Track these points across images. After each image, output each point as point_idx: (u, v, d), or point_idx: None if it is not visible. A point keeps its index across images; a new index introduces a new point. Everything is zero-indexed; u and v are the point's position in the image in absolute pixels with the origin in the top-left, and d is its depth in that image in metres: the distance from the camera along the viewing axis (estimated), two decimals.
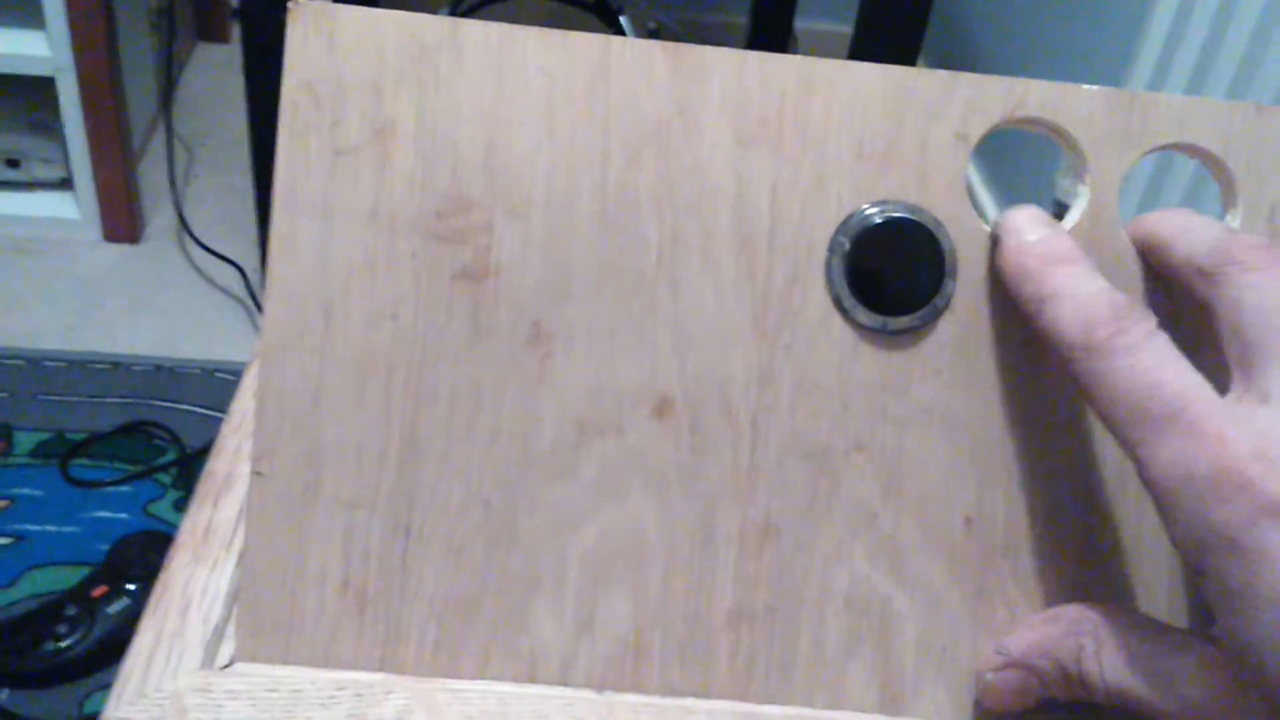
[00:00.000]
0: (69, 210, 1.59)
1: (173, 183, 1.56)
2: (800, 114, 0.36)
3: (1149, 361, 0.30)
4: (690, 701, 0.35)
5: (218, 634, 0.35)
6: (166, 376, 1.36)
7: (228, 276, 1.54)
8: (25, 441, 1.25)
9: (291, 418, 0.35)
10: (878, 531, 0.36)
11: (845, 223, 0.36)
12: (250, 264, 1.53)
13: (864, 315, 0.36)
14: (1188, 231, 0.34)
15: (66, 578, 1.11)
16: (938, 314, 0.36)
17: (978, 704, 0.36)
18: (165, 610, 0.35)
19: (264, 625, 0.35)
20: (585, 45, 0.36)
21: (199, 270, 1.56)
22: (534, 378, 0.36)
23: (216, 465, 0.40)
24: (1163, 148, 0.36)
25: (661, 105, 0.36)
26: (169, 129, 1.55)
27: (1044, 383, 0.36)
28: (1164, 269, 0.35)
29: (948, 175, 0.36)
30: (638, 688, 0.35)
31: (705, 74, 0.36)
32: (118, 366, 1.37)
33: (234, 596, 0.36)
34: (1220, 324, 0.32)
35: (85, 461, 1.24)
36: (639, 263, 0.36)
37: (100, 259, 1.57)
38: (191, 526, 0.38)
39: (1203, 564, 0.29)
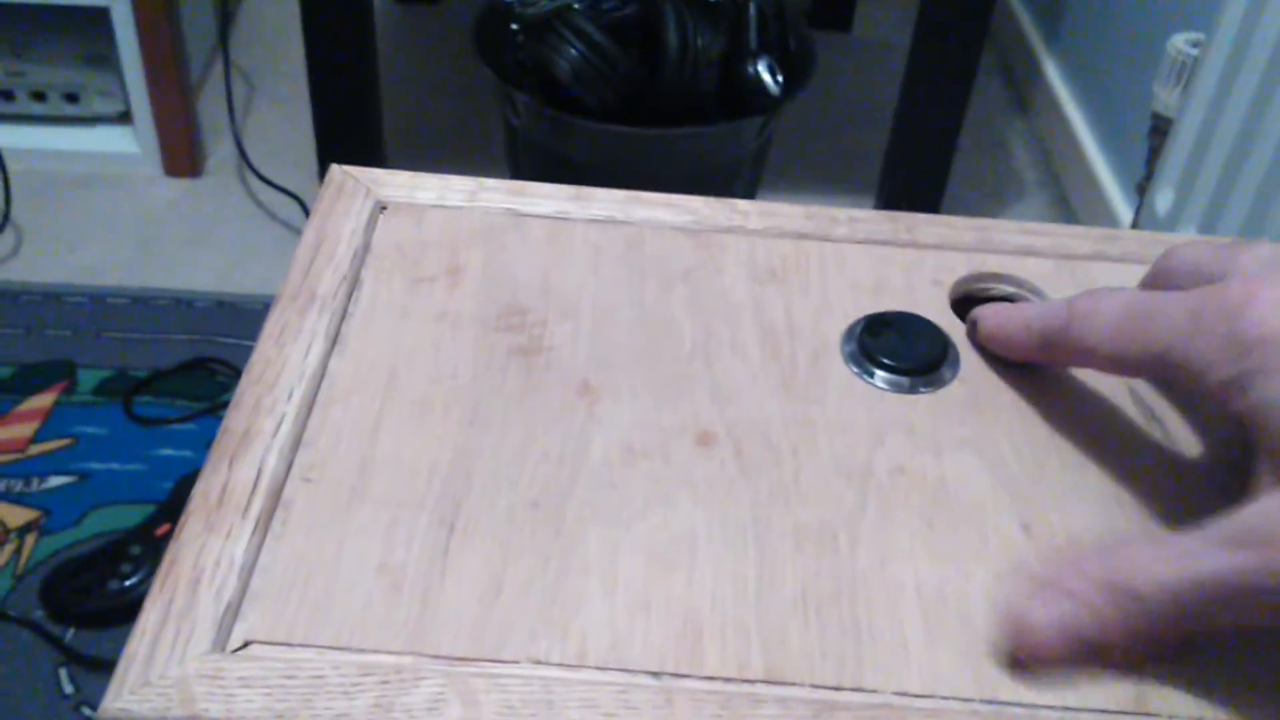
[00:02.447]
0: (128, 144, 1.57)
1: (232, 115, 1.53)
2: (801, 269, 0.44)
3: (1123, 295, 0.37)
4: (760, 688, 0.31)
5: (231, 611, 0.31)
6: (228, 312, 1.34)
7: (288, 209, 1.51)
8: (88, 379, 1.24)
9: (348, 439, 0.37)
10: (935, 536, 0.35)
11: (852, 325, 0.42)
12: (311, 197, 1.50)
13: (884, 380, 0.40)
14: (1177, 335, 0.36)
15: (130, 516, 1.10)
16: (949, 380, 0.40)
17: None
18: (174, 585, 0.32)
19: (286, 601, 0.32)
20: (623, 228, 0.45)
21: (259, 204, 1.53)
22: (583, 416, 0.38)
23: (234, 421, 0.36)
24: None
25: (686, 261, 0.44)
26: (227, 60, 1.52)
27: (1070, 417, 0.39)
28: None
29: (934, 306, 0.43)
30: (698, 670, 0.31)
31: (721, 248, 0.45)
32: (179, 302, 1.35)
33: (250, 569, 0.33)
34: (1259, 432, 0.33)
35: (148, 399, 1.23)
36: (675, 349, 0.41)
37: (160, 193, 1.55)
38: (204, 490, 0.34)
39: (1246, 381, 0.32)
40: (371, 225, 0.44)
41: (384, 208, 0.45)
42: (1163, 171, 1.15)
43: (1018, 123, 1.77)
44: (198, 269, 1.43)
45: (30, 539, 1.08)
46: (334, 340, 0.40)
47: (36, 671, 0.98)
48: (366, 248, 0.43)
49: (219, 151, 1.61)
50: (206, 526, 0.33)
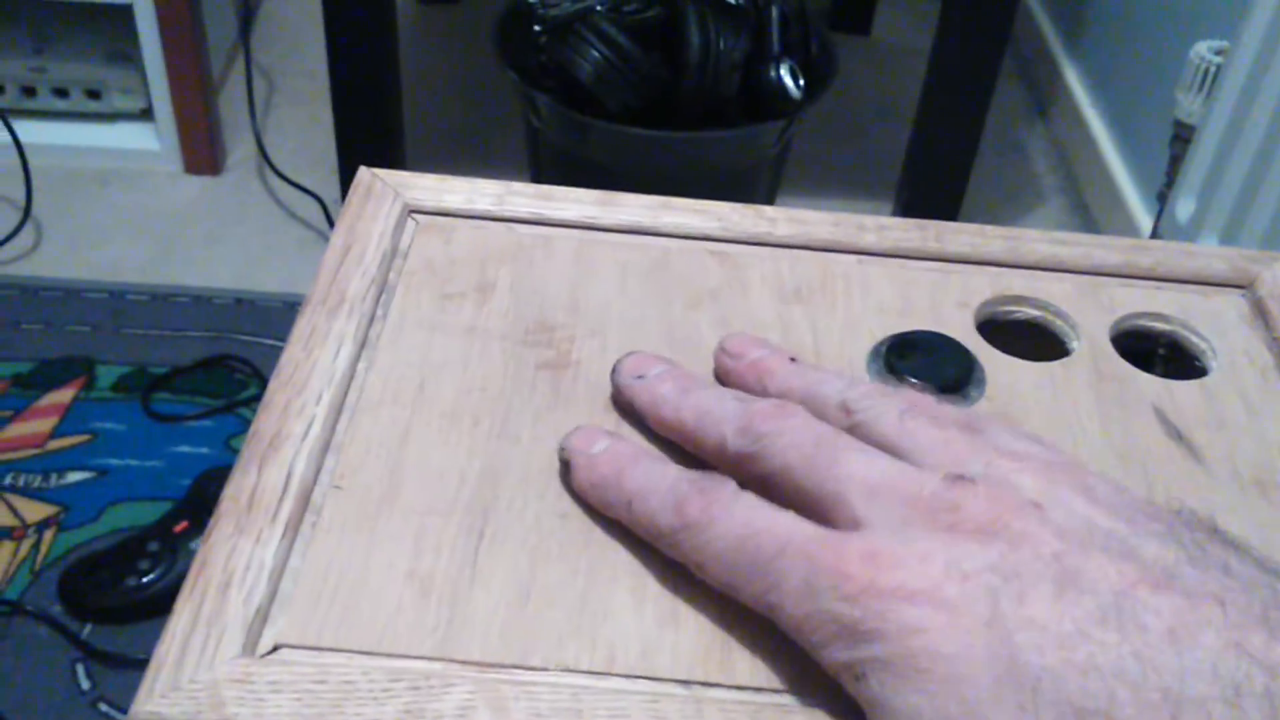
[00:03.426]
0: (149, 141, 1.58)
1: (253, 113, 1.53)
2: (827, 289, 0.44)
3: (743, 514, 0.31)
4: (788, 698, 0.31)
5: (260, 616, 0.31)
6: (247, 309, 1.35)
7: (308, 208, 1.51)
8: (107, 376, 1.25)
9: (378, 448, 0.37)
10: None
11: (878, 345, 0.42)
12: (331, 195, 1.50)
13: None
14: (705, 418, 0.35)
15: (149, 513, 1.10)
16: (975, 399, 0.40)
17: None
18: (204, 589, 0.32)
19: (316, 605, 0.32)
20: (648, 246, 0.45)
21: (279, 202, 1.54)
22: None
23: (263, 424, 0.36)
24: (1134, 314, 0.44)
25: (713, 281, 0.44)
26: (248, 58, 1.53)
27: (1092, 440, 0.39)
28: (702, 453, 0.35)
29: (960, 328, 0.43)
30: (728, 680, 0.31)
31: (746, 266, 0.44)
32: (199, 300, 1.36)
33: (279, 574, 0.33)
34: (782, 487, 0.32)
35: (167, 396, 1.23)
36: (703, 367, 0.40)
37: (181, 191, 1.55)
38: (234, 493, 0.34)
39: (860, 670, 0.29)
40: (400, 228, 0.44)
41: (414, 214, 0.45)
42: (1184, 179, 1.14)
43: (1038, 127, 1.76)
44: (217, 266, 1.43)
45: (49, 534, 1.09)
46: (362, 344, 0.40)
47: (53, 667, 0.98)
48: (394, 251, 0.43)
49: (239, 149, 1.62)
50: (236, 529, 0.33)
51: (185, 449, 1.18)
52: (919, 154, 1.41)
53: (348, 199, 0.45)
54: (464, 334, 0.41)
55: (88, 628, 1.01)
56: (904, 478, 0.30)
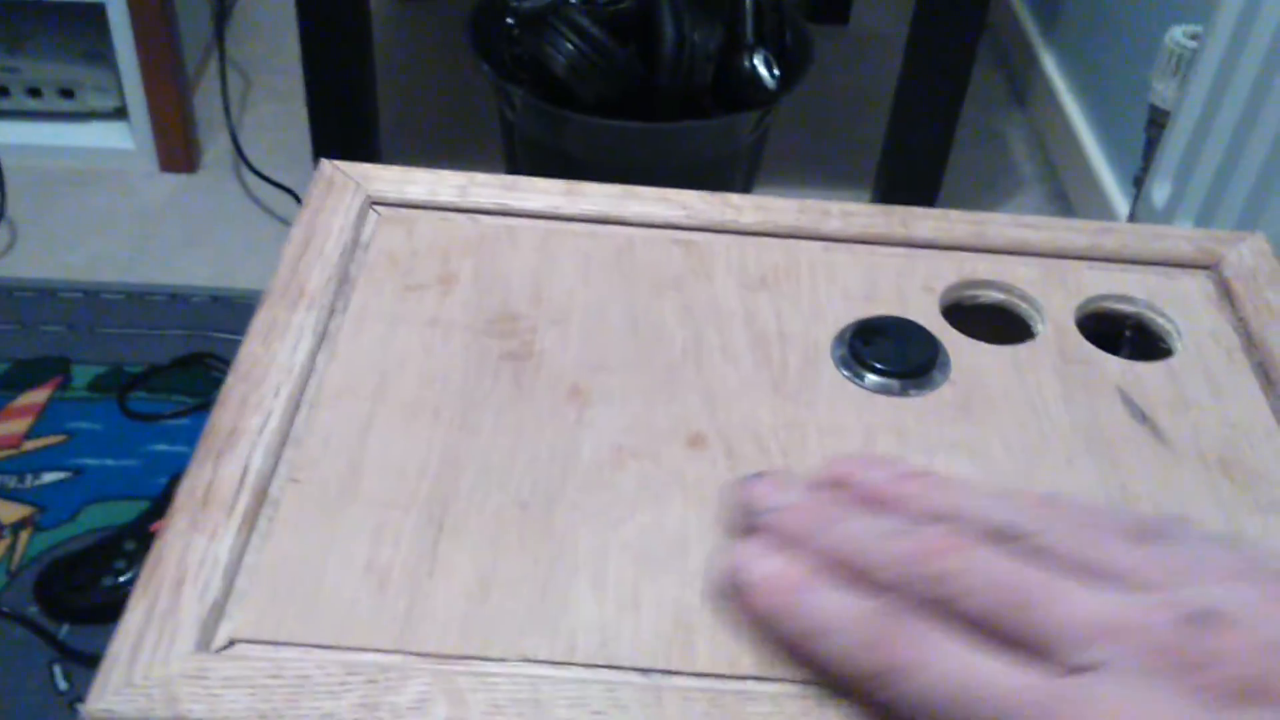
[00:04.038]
0: (124, 140, 1.57)
1: (227, 111, 1.52)
2: (791, 276, 0.44)
3: (955, 663, 0.26)
4: (750, 685, 0.31)
5: (216, 611, 0.31)
6: (224, 308, 1.34)
7: (285, 205, 1.51)
8: (83, 375, 1.24)
9: (337, 441, 0.36)
10: None
11: (843, 330, 0.42)
12: (306, 192, 1.50)
13: (874, 381, 0.40)
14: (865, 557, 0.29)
15: (125, 512, 1.09)
16: (939, 383, 0.40)
17: None
18: (158, 585, 0.32)
19: (273, 600, 0.32)
20: (613, 234, 0.45)
21: (256, 200, 1.53)
22: (573, 419, 0.38)
23: (219, 419, 0.36)
24: (1100, 296, 0.44)
25: (677, 269, 0.44)
26: (222, 56, 1.51)
27: (1056, 422, 0.39)
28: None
29: (925, 312, 0.43)
30: (688, 668, 0.31)
31: (711, 254, 0.44)
32: (175, 298, 1.35)
33: (235, 569, 0.32)
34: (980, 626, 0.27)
35: (143, 394, 1.23)
36: (666, 355, 0.40)
37: (156, 189, 1.54)
38: (189, 489, 0.34)
39: None
40: (361, 221, 0.44)
41: (375, 206, 0.45)
42: (1160, 164, 1.14)
43: (1015, 115, 1.76)
44: (193, 265, 1.42)
45: (24, 535, 1.08)
46: (322, 337, 0.39)
47: (30, 668, 0.98)
48: (356, 243, 0.43)
49: (215, 147, 1.60)
50: (191, 525, 0.33)
51: (162, 447, 1.17)
52: (896, 143, 1.41)
53: (308, 191, 0.45)
54: (426, 326, 0.40)
55: (65, 628, 1.01)
56: (1136, 615, 0.26)
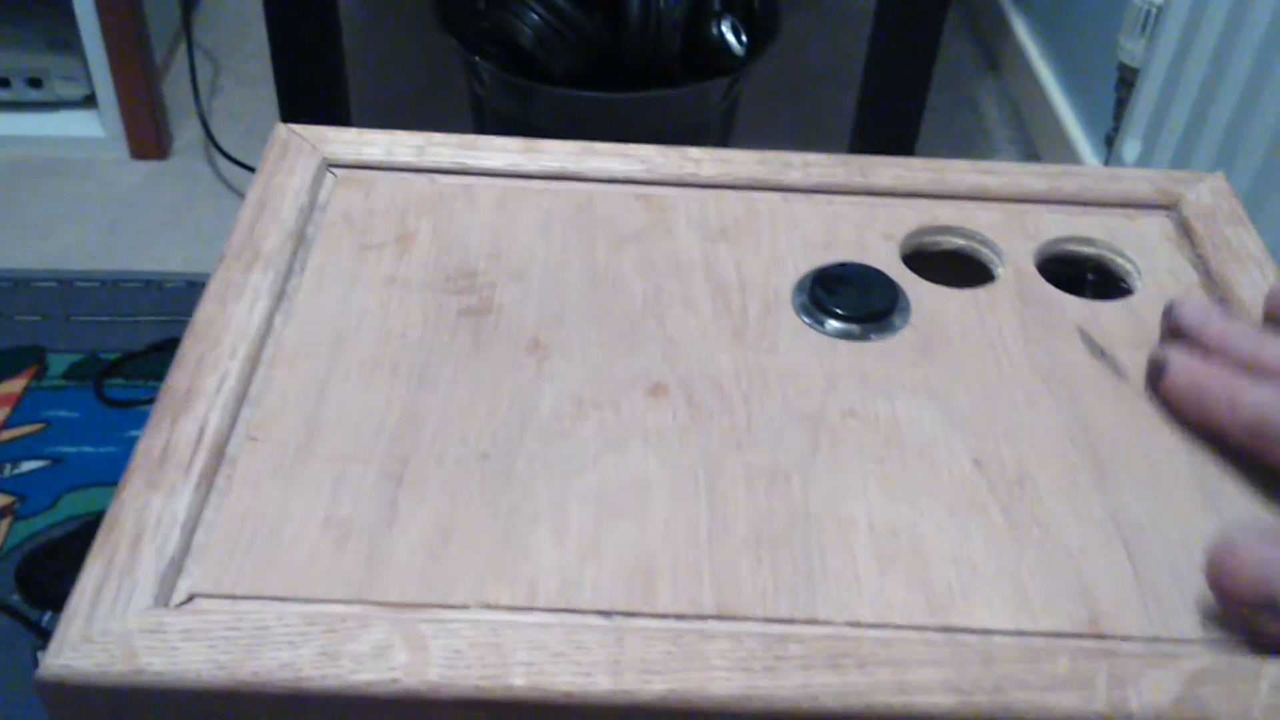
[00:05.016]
0: (94, 129, 1.56)
1: (197, 96, 1.51)
2: (751, 226, 0.44)
3: None
4: (711, 624, 0.31)
5: (174, 567, 0.31)
6: (199, 293, 1.33)
7: None
8: (59, 363, 1.23)
9: (294, 399, 0.36)
10: (888, 473, 0.35)
11: (802, 279, 0.42)
12: None
13: (835, 327, 0.40)
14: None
15: (104, 499, 1.09)
16: (899, 327, 0.40)
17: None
18: (115, 543, 0.31)
19: (232, 555, 0.32)
20: (573, 190, 0.45)
21: (228, 184, 1.52)
22: (532, 372, 0.38)
23: (176, 380, 0.36)
24: (1060, 239, 0.44)
25: (637, 223, 0.43)
26: (190, 41, 1.51)
27: (1016, 362, 0.39)
28: None
29: (886, 259, 0.43)
30: (651, 610, 0.31)
31: (671, 208, 0.44)
32: (149, 284, 1.34)
33: (193, 525, 0.32)
34: None
35: (120, 381, 1.22)
36: (626, 308, 0.40)
37: (128, 177, 1.53)
38: (146, 449, 0.34)
39: None
40: (318, 182, 0.44)
41: (332, 168, 0.45)
42: (1130, 122, 1.15)
43: (989, 82, 1.76)
44: (167, 251, 1.42)
45: (4, 524, 1.07)
46: (279, 298, 0.39)
47: (14, 655, 0.97)
48: (313, 205, 0.43)
49: (186, 133, 1.59)
50: (148, 484, 0.33)
51: (139, 434, 1.16)
52: (868, 111, 1.41)
53: (264, 155, 0.45)
54: (383, 284, 0.40)
55: (47, 615, 1.01)
56: None
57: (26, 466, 1.13)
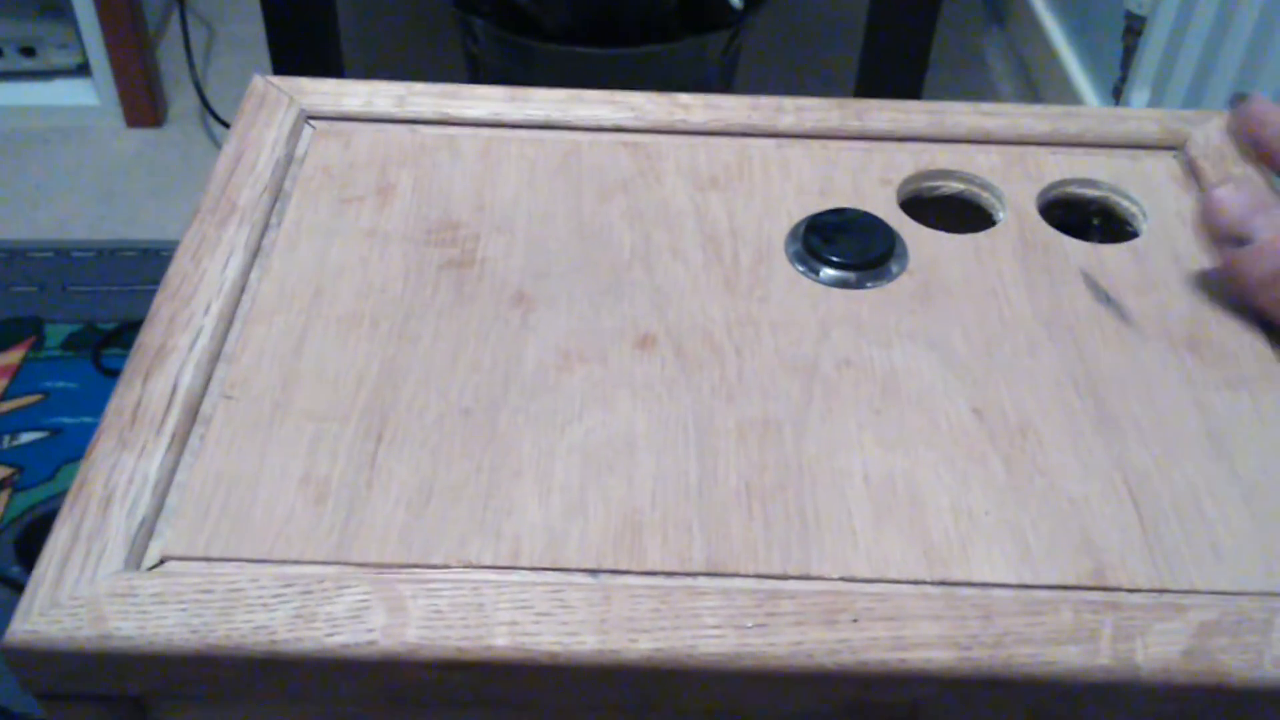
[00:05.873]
0: (88, 97, 1.54)
1: (191, 63, 1.50)
2: (743, 174, 0.42)
3: None
4: (701, 581, 0.30)
5: (145, 530, 0.30)
6: None
7: None
8: (56, 334, 1.23)
9: (270, 355, 0.35)
10: (884, 424, 0.34)
11: (796, 226, 0.40)
12: None
13: (830, 274, 0.39)
14: None
15: None
16: (896, 274, 0.39)
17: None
18: (84, 505, 0.30)
19: (205, 516, 0.31)
20: (559, 140, 0.43)
21: None
22: (517, 325, 0.36)
23: (148, 337, 0.35)
24: (1063, 181, 0.43)
25: (625, 172, 0.42)
26: (183, 7, 1.49)
27: (1018, 307, 0.38)
28: None
29: (882, 205, 0.41)
30: (638, 567, 0.30)
31: (660, 156, 0.43)
32: (146, 253, 1.33)
33: (165, 486, 0.31)
34: None
35: (118, 351, 1.21)
36: (614, 258, 0.39)
37: (123, 145, 1.52)
38: (117, 408, 0.33)
39: None
40: (295, 135, 0.42)
41: (310, 120, 0.43)
42: (1137, 71, 1.13)
43: (996, 35, 1.74)
44: (163, 219, 1.40)
45: (4, 495, 1.07)
46: (255, 252, 0.38)
47: None
48: (290, 158, 0.42)
49: (181, 100, 1.58)
50: (119, 444, 0.32)
51: None
52: (871, 66, 1.39)
53: (241, 108, 0.43)
54: (363, 237, 0.39)
55: None
56: None
57: (25, 438, 1.12)
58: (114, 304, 1.27)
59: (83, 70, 1.53)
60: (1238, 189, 0.37)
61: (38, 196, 1.43)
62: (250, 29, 1.68)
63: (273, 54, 1.35)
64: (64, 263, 1.31)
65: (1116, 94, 1.24)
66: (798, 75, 1.58)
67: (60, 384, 1.17)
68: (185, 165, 1.48)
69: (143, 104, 1.53)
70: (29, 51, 1.52)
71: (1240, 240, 0.36)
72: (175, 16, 1.67)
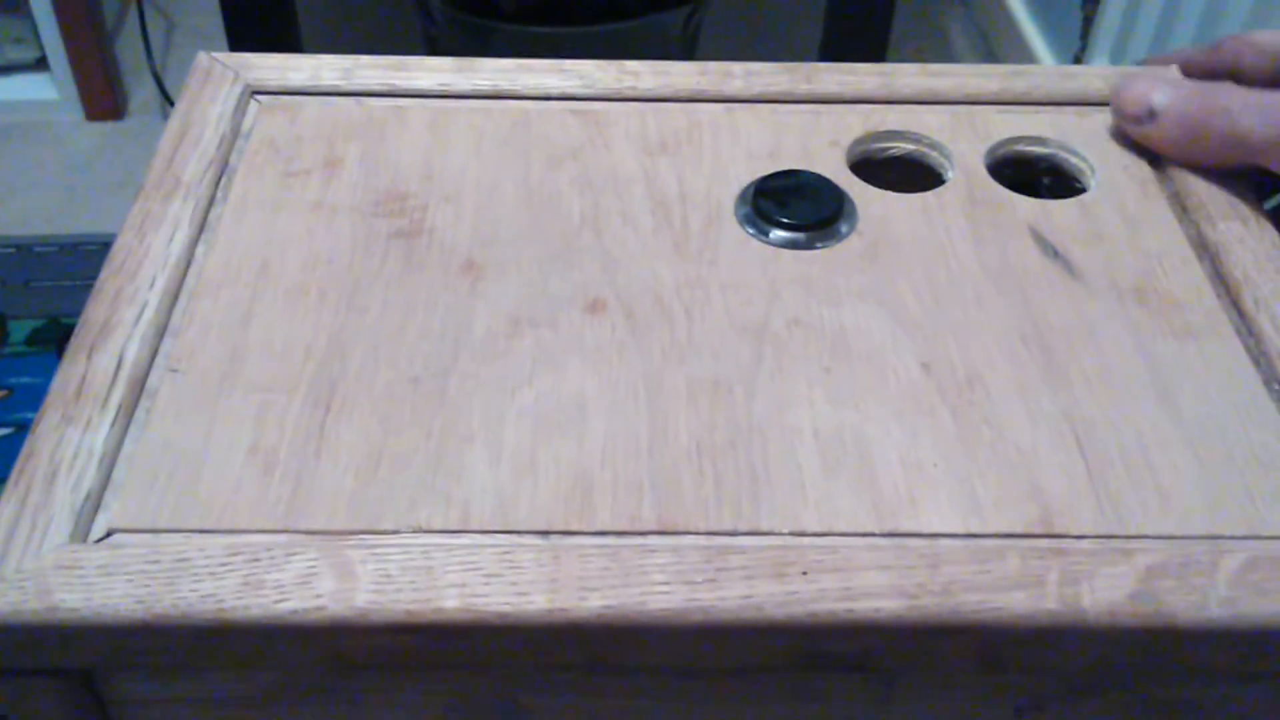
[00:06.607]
0: (47, 91, 1.53)
1: (149, 54, 1.49)
2: (693, 139, 0.42)
3: None
4: (653, 539, 0.30)
5: (91, 502, 0.30)
6: None
7: None
8: (20, 330, 1.22)
9: (217, 329, 0.35)
10: (834, 381, 0.34)
11: (745, 189, 0.40)
12: None
13: (779, 235, 0.39)
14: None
15: None
16: (846, 234, 0.39)
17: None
18: (29, 479, 0.30)
19: (152, 488, 0.30)
20: (507, 109, 0.43)
21: None
22: (465, 293, 0.36)
23: (92, 313, 0.35)
24: (1011, 139, 0.43)
25: (574, 139, 0.42)
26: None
27: (966, 263, 0.38)
28: None
29: (832, 167, 0.41)
30: (588, 527, 0.30)
31: (609, 123, 0.43)
32: (109, 247, 1.32)
33: (111, 459, 0.31)
34: None
35: None
36: (563, 224, 0.39)
37: (84, 139, 1.51)
38: (61, 383, 0.33)
39: None
40: (241, 110, 0.42)
41: (256, 95, 0.43)
42: (1096, 40, 1.13)
43: (959, 11, 1.74)
44: (126, 212, 1.39)
45: None
46: (201, 227, 0.38)
47: None
48: (236, 133, 0.41)
49: (141, 92, 1.57)
50: (64, 419, 0.32)
51: None
52: (833, 42, 1.39)
53: (185, 84, 0.43)
54: (309, 210, 0.39)
55: None
56: None
57: None
58: (78, 298, 1.26)
59: (40, 64, 1.52)
60: (1134, 76, 0.42)
61: None
62: (209, 20, 1.66)
63: (230, 41, 1.34)
64: (26, 258, 1.30)
65: (1076, 63, 1.24)
66: (758, 53, 1.59)
67: (25, 379, 1.16)
68: (146, 158, 1.47)
69: (102, 97, 1.52)
70: None
71: (1149, 117, 0.41)
72: (133, 9, 1.65)
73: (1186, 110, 0.40)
